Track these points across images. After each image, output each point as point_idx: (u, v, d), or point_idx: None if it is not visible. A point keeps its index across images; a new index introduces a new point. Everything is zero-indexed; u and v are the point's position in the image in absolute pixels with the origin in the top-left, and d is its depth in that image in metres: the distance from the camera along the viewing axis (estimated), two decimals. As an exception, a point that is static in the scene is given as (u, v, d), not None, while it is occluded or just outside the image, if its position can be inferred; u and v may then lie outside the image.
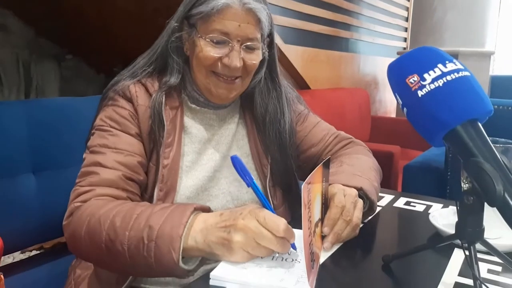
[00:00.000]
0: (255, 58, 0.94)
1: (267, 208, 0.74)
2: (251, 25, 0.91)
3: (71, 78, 3.69)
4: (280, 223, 0.69)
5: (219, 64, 0.91)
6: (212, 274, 0.67)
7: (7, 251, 1.04)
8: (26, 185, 1.13)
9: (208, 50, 0.90)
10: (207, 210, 0.77)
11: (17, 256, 1.78)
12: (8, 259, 0.90)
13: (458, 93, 0.59)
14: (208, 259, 0.77)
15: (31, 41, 3.37)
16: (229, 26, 0.89)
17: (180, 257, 0.69)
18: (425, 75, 0.60)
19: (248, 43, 0.91)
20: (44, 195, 1.16)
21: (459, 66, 0.61)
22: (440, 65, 0.61)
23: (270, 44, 1.00)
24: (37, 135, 1.15)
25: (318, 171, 0.71)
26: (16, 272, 1.09)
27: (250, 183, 0.78)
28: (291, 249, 0.73)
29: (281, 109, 1.03)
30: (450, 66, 0.61)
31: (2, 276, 0.90)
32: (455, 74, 0.60)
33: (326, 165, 0.79)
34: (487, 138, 0.60)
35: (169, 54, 0.96)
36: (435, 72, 0.60)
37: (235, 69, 0.91)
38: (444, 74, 0.60)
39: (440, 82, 0.59)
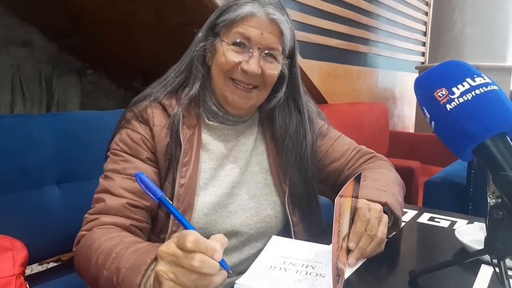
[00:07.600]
0: (274, 68, 0.94)
1: (182, 223, 0.65)
2: (273, 35, 0.92)
3: (92, 92, 3.75)
4: (188, 234, 0.60)
5: (238, 69, 0.91)
6: (238, 281, 0.68)
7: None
8: (49, 197, 1.15)
9: (229, 55, 0.91)
10: None
11: (35, 268, 1.79)
12: (27, 271, 0.92)
13: (488, 106, 0.59)
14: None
15: (54, 56, 3.45)
16: (251, 32, 0.90)
17: None
18: (454, 89, 0.60)
19: (268, 51, 0.92)
20: (66, 207, 1.17)
21: (488, 80, 0.61)
22: (468, 79, 0.61)
23: (292, 64, 1.00)
24: (61, 147, 1.17)
25: (349, 185, 0.71)
26: (35, 284, 1.09)
27: (156, 199, 0.67)
28: (228, 271, 0.62)
29: (304, 132, 1.03)
30: (478, 80, 0.61)
31: (28, 286, 0.91)
32: (484, 88, 0.60)
33: (357, 180, 0.79)
34: (517, 152, 0.59)
35: (194, 63, 0.96)
36: (463, 86, 0.60)
37: (253, 76, 0.91)
38: (473, 88, 0.60)
39: (469, 96, 0.59)
